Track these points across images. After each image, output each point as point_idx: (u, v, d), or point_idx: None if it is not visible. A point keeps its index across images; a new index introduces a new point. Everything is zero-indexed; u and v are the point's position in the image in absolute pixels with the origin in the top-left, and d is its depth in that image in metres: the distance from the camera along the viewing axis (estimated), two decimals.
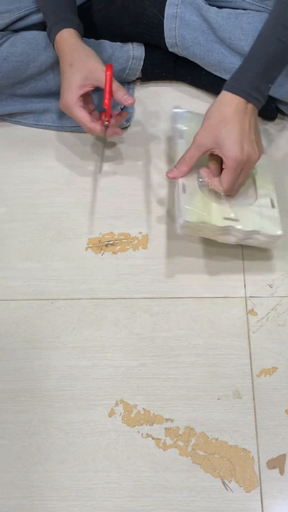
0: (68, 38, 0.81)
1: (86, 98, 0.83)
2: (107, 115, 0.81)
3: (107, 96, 0.79)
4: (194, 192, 0.76)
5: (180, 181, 0.77)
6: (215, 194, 0.77)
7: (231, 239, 0.77)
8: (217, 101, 0.76)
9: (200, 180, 0.78)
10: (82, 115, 0.81)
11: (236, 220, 0.74)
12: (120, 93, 0.80)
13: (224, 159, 0.74)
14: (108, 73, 0.79)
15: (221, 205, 0.76)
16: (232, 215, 0.75)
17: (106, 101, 0.79)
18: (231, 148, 0.72)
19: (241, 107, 0.75)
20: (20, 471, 0.66)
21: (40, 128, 0.96)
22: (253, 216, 0.75)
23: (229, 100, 0.75)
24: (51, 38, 0.83)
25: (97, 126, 0.82)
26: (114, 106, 0.85)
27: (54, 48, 0.84)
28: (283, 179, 0.88)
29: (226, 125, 0.73)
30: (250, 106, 0.75)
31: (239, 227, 0.74)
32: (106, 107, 0.80)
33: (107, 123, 0.82)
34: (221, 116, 0.74)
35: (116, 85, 0.81)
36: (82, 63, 0.80)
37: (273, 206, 0.77)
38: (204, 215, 0.74)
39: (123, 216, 0.85)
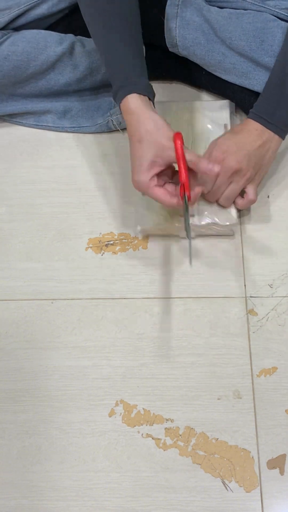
0: (134, 107, 0.72)
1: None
2: (186, 190, 0.71)
3: (183, 170, 0.70)
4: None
5: None
6: None
7: (191, 236, 0.79)
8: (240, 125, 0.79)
9: None
10: (158, 194, 0.72)
11: (192, 215, 0.78)
12: (203, 164, 0.71)
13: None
14: (179, 143, 0.69)
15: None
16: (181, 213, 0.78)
17: (182, 176, 0.70)
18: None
19: (259, 131, 0.78)
20: (20, 471, 0.66)
21: (41, 129, 0.96)
22: (206, 208, 0.78)
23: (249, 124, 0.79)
24: (117, 101, 0.75)
25: (178, 201, 0.73)
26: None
27: (120, 110, 0.76)
28: (284, 178, 0.88)
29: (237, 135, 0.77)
30: (268, 133, 0.78)
31: (194, 222, 0.77)
32: (183, 183, 0.71)
33: (188, 200, 0.72)
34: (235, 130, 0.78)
35: (192, 156, 0.71)
36: (151, 139, 0.70)
37: None
38: (160, 218, 0.78)
39: (123, 216, 0.85)
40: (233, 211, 0.79)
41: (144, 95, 0.74)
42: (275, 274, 0.79)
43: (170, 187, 0.74)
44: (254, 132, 0.78)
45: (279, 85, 0.80)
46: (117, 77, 0.75)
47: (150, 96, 0.75)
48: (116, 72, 0.75)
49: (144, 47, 0.80)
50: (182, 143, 0.70)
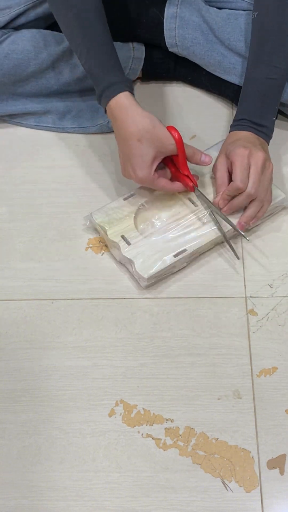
0: (126, 106, 0.74)
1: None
2: (193, 182, 0.78)
3: (184, 165, 0.77)
4: (127, 204, 0.81)
5: (135, 191, 0.82)
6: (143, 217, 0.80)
7: (116, 256, 0.80)
8: (231, 139, 0.80)
9: (145, 204, 0.81)
10: (163, 184, 0.77)
11: (126, 242, 0.77)
12: (197, 157, 0.77)
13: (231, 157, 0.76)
14: (177, 138, 0.74)
15: (133, 225, 0.79)
16: (127, 236, 0.77)
17: (186, 171, 0.77)
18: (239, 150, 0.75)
19: (252, 137, 0.79)
20: (20, 471, 0.66)
21: (41, 129, 0.96)
22: (144, 247, 0.76)
23: (238, 133, 0.80)
24: (102, 103, 0.77)
25: (179, 186, 0.79)
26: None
27: (105, 112, 0.78)
28: (284, 179, 0.88)
29: (234, 143, 0.78)
30: (261, 139, 0.79)
31: (122, 247, 0.76)
32: (188, 175, 0.78)
33: (196, 187, 0.79)
34: (227, 142, 0.80)
35: (190, 149, 0.77)
36: (151, 136, 0.73)
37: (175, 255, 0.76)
38: (111, 222, 0.78)
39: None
40: (147, 264, 0.75)
41: (132, 92, 0.76)
42: (275, 274, 0.79)
43: (163, 174, 0.79)
44: (250, 136, 0.79)
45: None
46: (103, 77, 0.76)
47: (133, 92, 0.77)
48: (101, 72, 0.76)
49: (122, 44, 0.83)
50: (179, 135, 0.74)
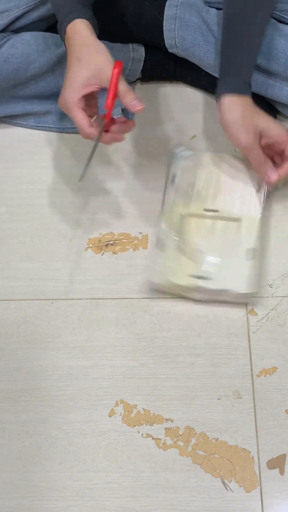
0: (79, 30, 0.71)
1: (90, 100, 0.73)
2: (106, 118, 0.71)
3: (110, 95, 0.69)
4: (168, 247, 0.77)
5: (157, 233, 0.79)
6: (189, 249, 0.77)
7: (198, 297, 0.75)
8: (220, 109, 0.77)
9: (176, 238, 0.77)
10: (80, 117, 0.71)
11: (203, 278, 0.73)
12: (128, 97, 0.70)
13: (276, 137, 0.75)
14: (116, 70, 0.68)
15: (192, 260, 0.75)
16: (199, 272, 0.74)
17: (108, 101, 0.69)
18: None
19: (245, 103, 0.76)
20: (20, 471, 0.66)
21: (41, 130, 0.96)
22: (223, 272, 0.74)
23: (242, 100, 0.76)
24: (62, 32, 0.74)
25: (95, 132, 0.72)
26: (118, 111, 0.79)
27: (64, 45, 0.75)
28: None
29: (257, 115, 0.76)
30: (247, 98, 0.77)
31: (203, 285, 0.73)
32: (107, 109, 0.70)
33: (104, 127, 0.72)
34: (245, 114, 0.76)
35: (124, 87, 0.70)
36: (91, 58, 0.70)
37: (252, 258, 0.75)
38: (170, 275, 0.74)
39: (123, 216, 0.85)
40: (248, 279, 0.74)
41: (90, 22, 0.73)
42: (275, 274, 0.79)
43: (95, 115, 0.73)
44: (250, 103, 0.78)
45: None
46: (62, 10, 0.74)
47: (95, 27, 0.74)
48: (61, 5, 0.74)
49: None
50: (120, 71, 0.69)
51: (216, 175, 0.82)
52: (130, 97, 0.70)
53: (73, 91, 0.70)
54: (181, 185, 0.81)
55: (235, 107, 0.75)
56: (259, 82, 0.88)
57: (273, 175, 0.77)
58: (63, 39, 0.75)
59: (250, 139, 0.75)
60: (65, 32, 0.73)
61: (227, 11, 0.80)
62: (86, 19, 0.73)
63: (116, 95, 0.70)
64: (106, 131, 0.72)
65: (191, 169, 0.79)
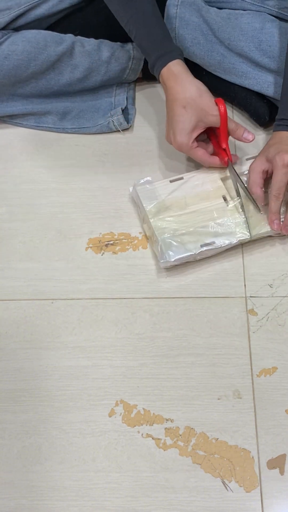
0: (176, 73, 0.78)
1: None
2: (229, 157, 0.81)
3: (224, 138, 0.80)
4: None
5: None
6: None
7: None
8: (273, 140, 0.79)
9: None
10: (200, 154, 0.80)
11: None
12: (239, 132, 0.81)
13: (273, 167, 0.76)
14: (222, 110, 0.77)
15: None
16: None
17: (224, 145, 0.80)
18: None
19: None
20: (20, 471, 0.66)
21: (41, 130, 0.96)
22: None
23: (281, 134, 0.79)
24: (156, 70, 0.80)
25: (216, 160, 0.82)
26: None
27: (158, 79, 0.81)
28: None
29: (274, 145, 0.78)
30: None
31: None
32: (226, 148, 0.81)
33: (231, 162, 0.82)
34: (269, 143, 0.79)
35: (232, 123, 0.80)
36: (196, 104, 0.77)
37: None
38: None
39: (123, 216, 0.85)
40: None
41: (183, 60, 0.79)
42: (275, 274, 0.79)
43: (204, 146, 0.83)
44: None
45: None
46: (154, 48, 0.80)
47: (183, 60, 0.81)
48: (151, 44, 0.80)
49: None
50: (225, 108, 0.78)
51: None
52: (241, 131, 0.81)
53: (186, 137, 0.78)
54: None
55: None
56: (260, 81, 0.88)
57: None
58: (155, 76, 0.81)
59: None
60: (160, 71, 0.79)
61: None
62: (179, 58, 0.79)
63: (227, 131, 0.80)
64: (231, 160, 0.83)
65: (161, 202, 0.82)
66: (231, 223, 0.79)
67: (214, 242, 0.77)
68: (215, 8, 0.90)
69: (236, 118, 0.96)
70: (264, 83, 0.88)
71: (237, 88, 0.92)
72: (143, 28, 0.80)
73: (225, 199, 0.81)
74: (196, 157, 0.81)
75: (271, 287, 0.78)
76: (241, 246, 0.81)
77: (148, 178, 0.84)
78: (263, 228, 0.79)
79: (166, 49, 0.79)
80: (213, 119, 0.78)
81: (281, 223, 0.77)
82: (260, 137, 0.93)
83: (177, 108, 0.77)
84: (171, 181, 0.83)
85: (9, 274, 0.81)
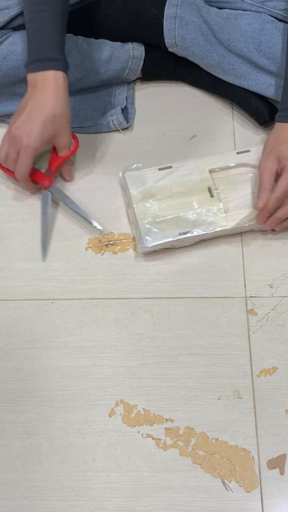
0: (61, 84, 0.78)
1: None
2: (50, 180, 0.86)
3: (57, 164, 0.85)
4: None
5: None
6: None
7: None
8: (274, 132, 0.79)
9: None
10: (24, 167, 0.81)
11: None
12: (65, 173, 0.87)
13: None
14: (74, 147, 0.85)
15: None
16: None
17: (53, 167, 0.85)
18: None
19: None
20: (20, 471, 0.66)
21: None
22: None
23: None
24: (35, 68, 0.79)
25: (32, 187, 0.86)
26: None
27: (25, 77, 0.80)
28: None
29: (285, 143, 0.76)
30: None
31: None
32: (52, 171, 0.85)
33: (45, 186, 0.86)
34: (279, 140, 0.77)
35: (67, 167, 0.87)
36: (62, 124, 0.80)
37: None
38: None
39: (123, 216, 0.85)
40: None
41: (66, 73, 0.80)
42: (275, 274, 0.79)
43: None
44: None
45: None
46: (45, 48, 0.79)
47: (67, 73, 0.81)
48: (43, 43, 0.79)
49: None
50: (77, 146, 0.85)
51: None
52: (66, 174, 0.88)
53: (36, 141, 0.79)
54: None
55: None
56: (259, 82, 0.88)
57: (258, 204, 0.76)
58: (28, 70, 0.80)
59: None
60: (40, 71, 0.78)
61: None
62: (66, 72, 0.80)
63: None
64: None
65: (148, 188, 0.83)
66: (212, 213, 0.80)
67: (191, 231, 0.78)
68: (215, 8, 0.90)
69: (236, 117, 0.96)
70: (263, 84, 0.88)
71: (236, 87, 0.92)
72: (43, 25, 0.79)
73: (210, 190, 0.82)
74: (22, 167, 0.81)
75: (271, 287, 0.78)
76: (241, 246, 0.81)
77: (139, 164, 0.85)
78: (244, 220, 0.79)
79: (58, 57, 0.79)
80: (64, 144, 0.83)
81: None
82: (260, 137, 0.93)
83: (48, 113, 0.78)
84: (159, 169, 0.84)
85: (9, 274, 0.81)
